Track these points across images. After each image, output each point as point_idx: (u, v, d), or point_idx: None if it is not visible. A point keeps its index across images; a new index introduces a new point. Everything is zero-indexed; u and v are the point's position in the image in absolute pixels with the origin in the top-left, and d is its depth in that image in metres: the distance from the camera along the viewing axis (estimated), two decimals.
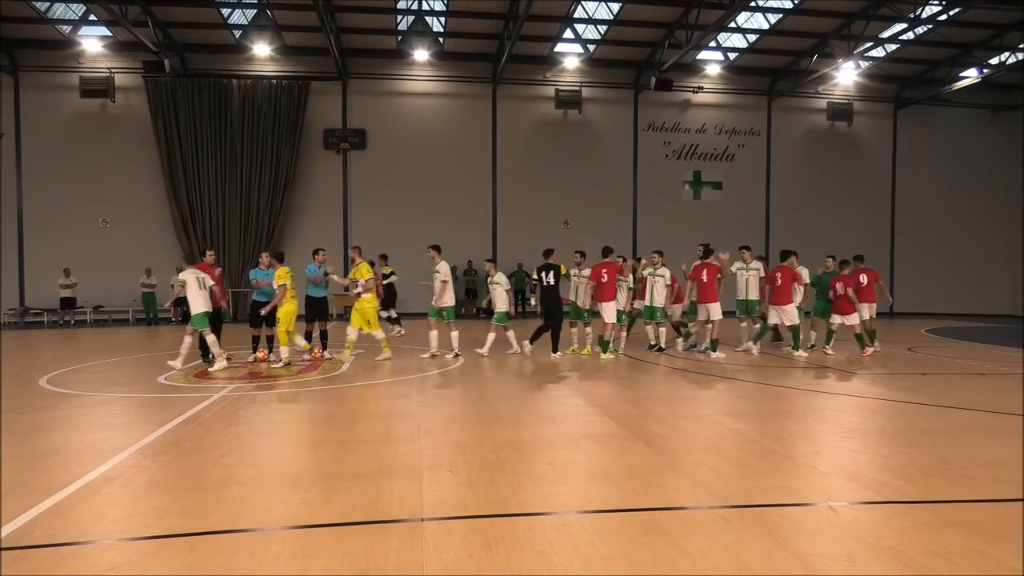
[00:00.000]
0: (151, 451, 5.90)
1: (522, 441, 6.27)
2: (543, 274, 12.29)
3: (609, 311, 12.22)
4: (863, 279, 13.26)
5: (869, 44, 22.36)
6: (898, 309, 26.10)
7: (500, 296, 12.51)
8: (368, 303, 11.65)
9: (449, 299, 12.21)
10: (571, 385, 9.51)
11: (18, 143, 21.86)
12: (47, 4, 19.88)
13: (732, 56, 24.23)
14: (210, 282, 11.14)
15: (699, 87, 24.80)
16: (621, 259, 13.20)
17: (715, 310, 12.46)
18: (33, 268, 21.42)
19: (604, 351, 12.26)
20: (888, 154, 26.51)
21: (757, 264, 13.22)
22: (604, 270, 12.24)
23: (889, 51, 23.64)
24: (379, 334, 11.79)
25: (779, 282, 12.51)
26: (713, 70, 24.36)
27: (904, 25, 21.25)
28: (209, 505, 4.51)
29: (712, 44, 23.41)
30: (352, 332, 11.65)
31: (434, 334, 12.19)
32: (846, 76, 24.22)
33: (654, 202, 24.88)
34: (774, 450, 5.85)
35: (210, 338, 10.84)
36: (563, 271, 12.49)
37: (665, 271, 13.02)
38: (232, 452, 5.99)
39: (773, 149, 25.68)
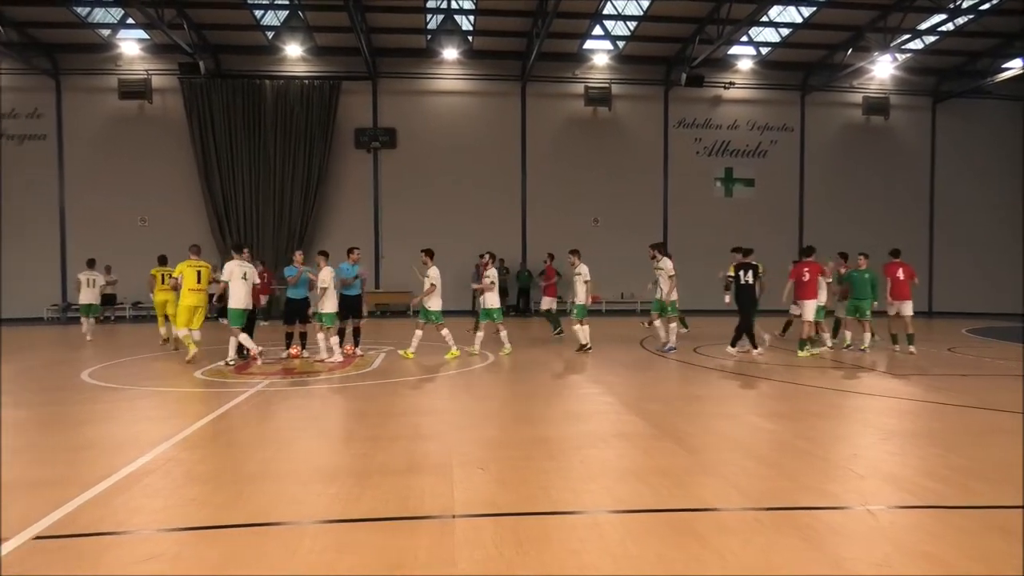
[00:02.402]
0: (189, 444, 6.02)
1: (552, 439, 6.26)
2: (740, 272, 12.32)
3: (808, 309, 12.15)
4: (900, 274, 12.97)
5: (906, 36, 21.82)
6: (937, 308, 25.50)
7: (491, 292, 12.50)
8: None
9: (493, 301, 12.53)
10: (601, 383, 9.47)
11: (60, 144, 22.45)
12: (87, 9, 20.37)
13: (764, 51, 23.86)
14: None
15: (730, 83, 24.48)
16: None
17: (809, 309, 12.22)
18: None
19: (801, 349, 12.14)
20: (926, 149, 25.88)
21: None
22: (806, 268, 12.24)
23: (927, 43, 23.08)
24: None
25: (806, 277, 12.34)
26: (745, 65, 24.03)
27: (943, 16, 20.72)
28: (244, 498, 4.59)
29: (744, 39, 23.09)
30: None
31: (419, 333, 12.03)
32: (882, 69, 23.70)
33: (685, 199, 24.63)
34: (808, 451, 5.76)
35: (241, 336, 11.04)
36: (761, 271, 12.45)
37: (667, 263, 12.85)
38: (266, 446, 6.09)
39: (807, 145, 25.24)
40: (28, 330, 19.16)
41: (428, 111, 23.75)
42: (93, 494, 4.59)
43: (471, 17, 22.30)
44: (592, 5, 20.87)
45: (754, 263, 12.40)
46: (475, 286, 13.14)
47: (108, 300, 20.98)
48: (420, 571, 3.44)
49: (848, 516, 4.24)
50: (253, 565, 3.53)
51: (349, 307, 12.39)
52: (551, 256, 17.60)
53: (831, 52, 23.35)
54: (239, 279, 10.90)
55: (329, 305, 11.52)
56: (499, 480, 4.94)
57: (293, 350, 12.09)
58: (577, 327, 12.80)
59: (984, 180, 25.90)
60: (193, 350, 11.41)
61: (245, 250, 11.96)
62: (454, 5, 21.86)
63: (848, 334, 13.53)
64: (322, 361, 11.32)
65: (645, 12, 21.32)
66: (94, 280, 15.70)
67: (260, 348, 11.44)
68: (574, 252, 13.18)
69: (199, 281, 11.55)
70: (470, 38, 23.02)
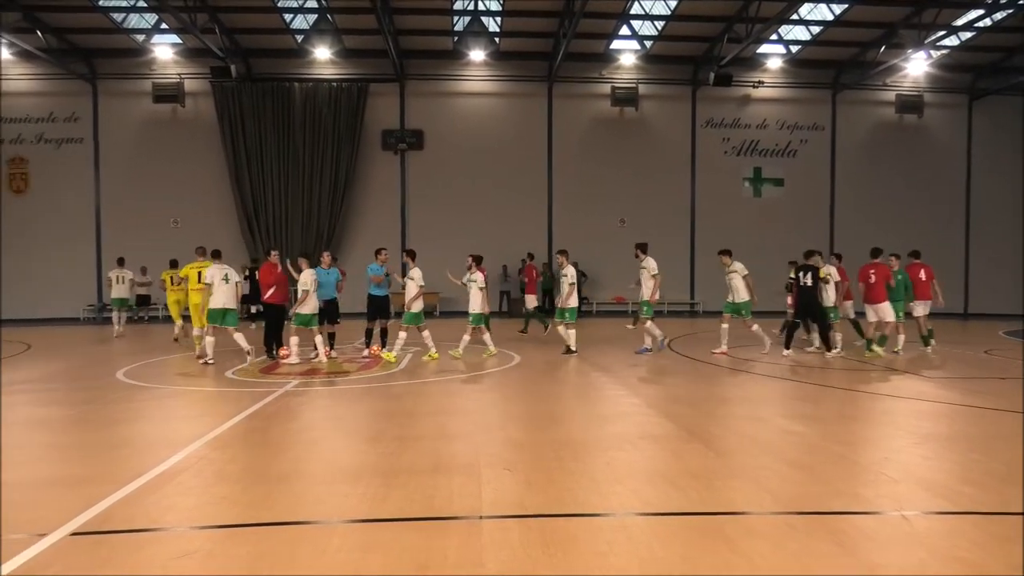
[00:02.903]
0: (219, 443, 6.11)
1: (579, 441, 6.24)
2: (800, 274, 12.25)
3: (884, 311, 12.10)
4: (922, 275, 12.85)
5: (941, 33, 21.36)
6: (973, 310, 24.92)
7: (475, 295, 12.26)
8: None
9: (478, 305, 12.27)
10: (627, 385, 9.42)
11: (96, 147, 22.96)
12: (123, 15, 20.81)
13: (794, 49, 23.53)
14: (236, 277, 11.69)
15: (759, 82, 24.19)
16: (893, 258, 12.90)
17: (885, 311, 12.12)
18: (110, 267, 22.39)
19: (868, 348, 12.12)
20: (962, 147, 25.30)
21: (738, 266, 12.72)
22: (872, 271, 12.15)
23: (963, 39, 22.56)
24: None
25: (873, 279, 12.16)
26: (774, 64, 23.72)
27: (980, 11, 20.23)
28: (274, 497, 4.65)
29: (773, 37, 22.80)
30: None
31: (403, 335, 12.00)
32: (916, 67, 23.23)
33: (713, 199, 24.39)
34: (840, 455, 5.66)
35: (235, 335, 11.34)
36: (822, 275, 12.34)
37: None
38: (295, 446, 6.16)
39: (838, 144, 24.83)
40: (65, 330, 19.63)
41: (455, 113, 23.84)
42: (127, 491, 4.68)
43: (498, 19, 22.34)
44: (619, 5, 20.78)
45: (815, 265, 12.28)
46: (455, 281, 12.93)
47: (143, 301, 21.36)
48: (448, 571, 3.45)
49: (882, 521, 4.16)
50: (283, 564, 3.57)
51: (377, 308, 12.48)
52: (530, 256, 17.62)
53: (863, 49, 22.95)
54: (220, 281, 11.36)
55: (308, 307, 11.50)
56: (526, 481, 4.93)
57: (374, 348, 12.22)
58: (562, 329, 12.55)
59: (1022, 179, 25.22)
60: (199, 345, 12.05)
61: (274, 252, 12.23)
62: (481, 7, 21.93)
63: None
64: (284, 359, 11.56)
65: (673, 11, 21.17)
66: (124, 277, 16.74)
67: (251, 347, 11.53)
68: (561, 253, 12.91)
69: (200, 280, 12.06)
70: (497, 39, 23.06)
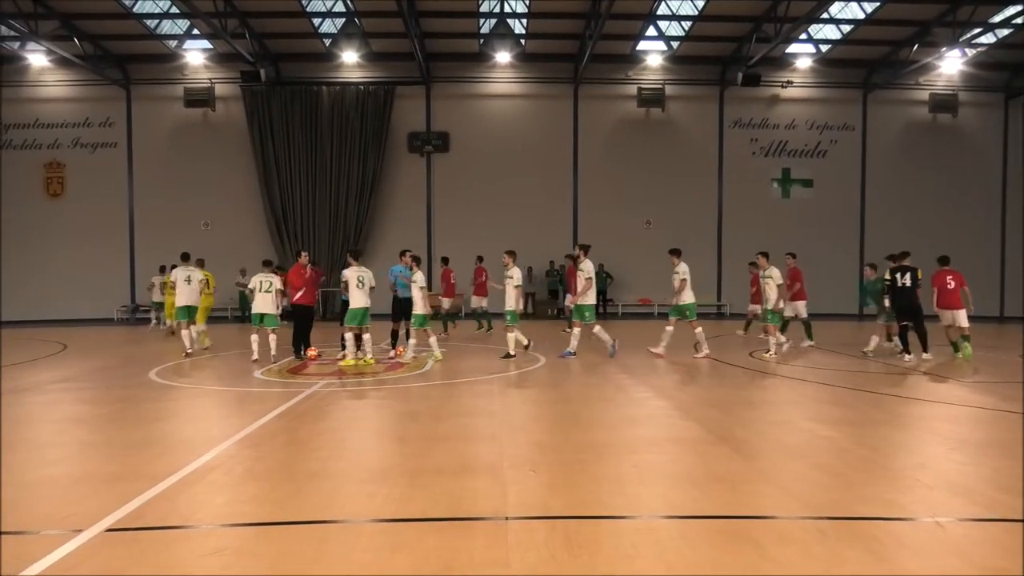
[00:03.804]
0: (249, 442, 6.20)
1: (604, 443, 6.22)
2: (897, 275, 12.19)
3: (961, 317, 12.10)
4: (950, 282, 12.45)
5: (977, 30, 20.91)
6: (1009, 313, 24.32)
7: (417, 296, 11.97)
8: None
9: (511, 303, 12.14)
10: (653, 387, 9.36)
11: (130, 151, 23.44)
12: (156, 21, 21.23)
13: (824, 48, 23.20)
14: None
15: (788, 81, 23.89)
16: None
17: (961, 317, 12.08)
18: (142, 268, 22.86)
19: (956, 350, 12.12)
20: (998, 147, 24.71)
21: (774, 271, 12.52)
22: (950, 277, 12.13)
23: (1000, 37, 22.05)
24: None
25: (951, 285, 12.12)
26: (804, 63, 23.40)
27: (1018, 8, 19.76)
28: (302, 496, 4.71)
29: (803, 36, 22.49)
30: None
31: (412, 341, 12.11)
32: (950, 65, 22.75)
33: (740, 201, 24.13)
34: (871, 460, 5.56)
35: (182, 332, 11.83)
36: (765, 274, 12.37)
37: (775, 271, 12.51)
38: (322, 446, 6.23)
39: (869, 144, 24.41)
40: (99, 330, 20.06)
41: (481, 115, 23.91)
42: (160, 489, 4.77)
43: (523, 20, 22.37)
44: (646, 6, 20.68)
45: (912, 267, 12.17)
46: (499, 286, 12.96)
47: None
48: (474, 572, 3.46)
49: (916, 528, 4.08)
50: (310, 562, 3.61)
51: (402, 309, 12.56)
52: (480, 258, 17.63)
53: (895, 48, 22.55)
54: (183, 282, 12.82)
55: (361, 302, 11.45)
56: (551, 483, 4.93)
57: (399, 350, 12.31)
58: (508, 334, 12.20)
59: None
60: (197, 341, 13.43)
61: (304, 253, 12.42)
62: (507, 9, 21.97)
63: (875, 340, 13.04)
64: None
65: (700, 12, 21.01)
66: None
67: (319, 350, 11.73)
68: (508, 253, 12.50)
69: (188, 283, 13.01)
70: (522, 41, 23.09)
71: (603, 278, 22.91)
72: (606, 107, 23.99)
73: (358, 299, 11.37)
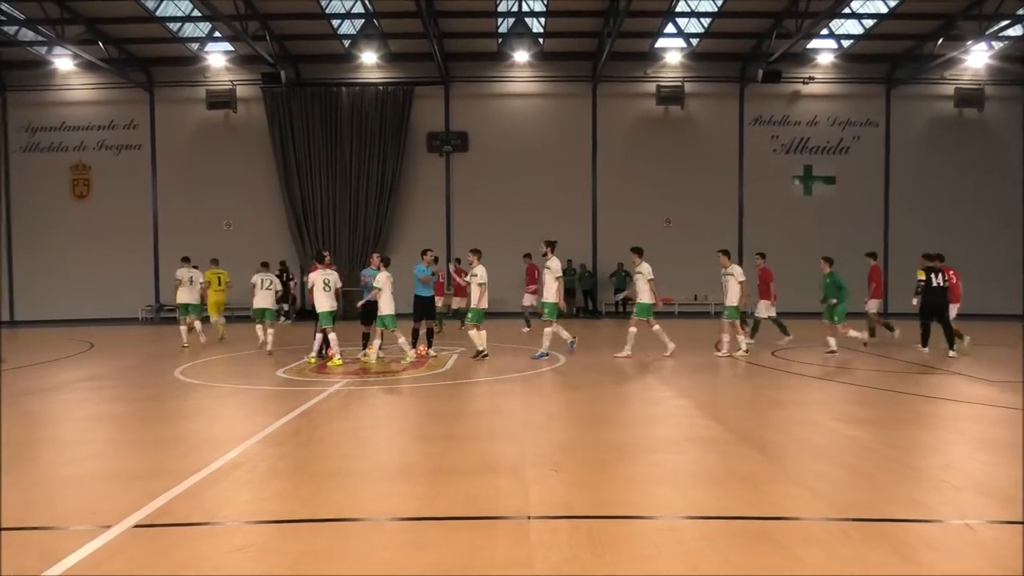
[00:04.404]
0: (272, 440, 6.26)
1: (625, 442, 6.20)
2: (932, 275, 12.32)
3: (953, 311, 12.41)
4: (952, 278, 12.81)
5: (1005, 23, 20.50)
6: None
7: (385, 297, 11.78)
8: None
9: (387, 307, 11.78)
10: (674, 386, 9.30)
11: (153, 153, 23.73)
12: (179, 24, 21.48)
13: (847, 43, 22.89)
14: (339, 282, 11.93)
15: (810, 77, 23.59)
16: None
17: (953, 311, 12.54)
18: (166, 268, 23.12)
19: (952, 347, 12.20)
20: None
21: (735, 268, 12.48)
22: (951, 273, 12.41)
23: None
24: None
25: (953, 281, 12.70)
26: (825, 59, 23.08)
27: None
28: (325, 494, 4.74)
29: (824, 32, 22.20)
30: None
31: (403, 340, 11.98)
32: (976, 59, 22.33)
33: (761, 198, 23.87)
34: (898, 460, 5.49)
35: (332, 336, 11.54)
36: (728, 271, 12.32)
37: (736, 269, 12.42)
38: (344, 444, 6.27)
39: (892, 140, 24.03)
40: (124, 330, 20.37)
41: (499, 114, 23.90)
42: (186, 486, 4.83)
43: (542, 19, 22.32)
44: (664, 3, 20.53)
45: (943, 267, 12.49)
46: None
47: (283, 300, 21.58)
48: (496, 571, 3.47)
49: (944, 530, 4.02)
50: (334, 560, 3.64)
51: (423, 308, 12.60)
52: (435, 259, 17.56)
53: (919, 42, 22.18)
54: (186, 281, 14.61)
55: (326, 305, 11.56)
56: (573, 482, 4.92)
57: (420, 349, 12.35)
58: (472, 332, 12.00)
59: None
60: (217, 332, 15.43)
61: (327, 254, 12.58)
62: (525, 8, 21.94)
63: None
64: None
65: (720, 8, 20.81)
66: (271, 281, 14.12)
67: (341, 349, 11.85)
68: (474, 252, 12.41)
69: (220, 284, 15.42)
70: (540, 40, 23.04)
71: (622, 277, 22.85)
72: (625, 105, 23.87)
73: (323, 302, 11.53)
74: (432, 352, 12.61)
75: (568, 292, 23.37)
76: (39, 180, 23.43)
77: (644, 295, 12.29)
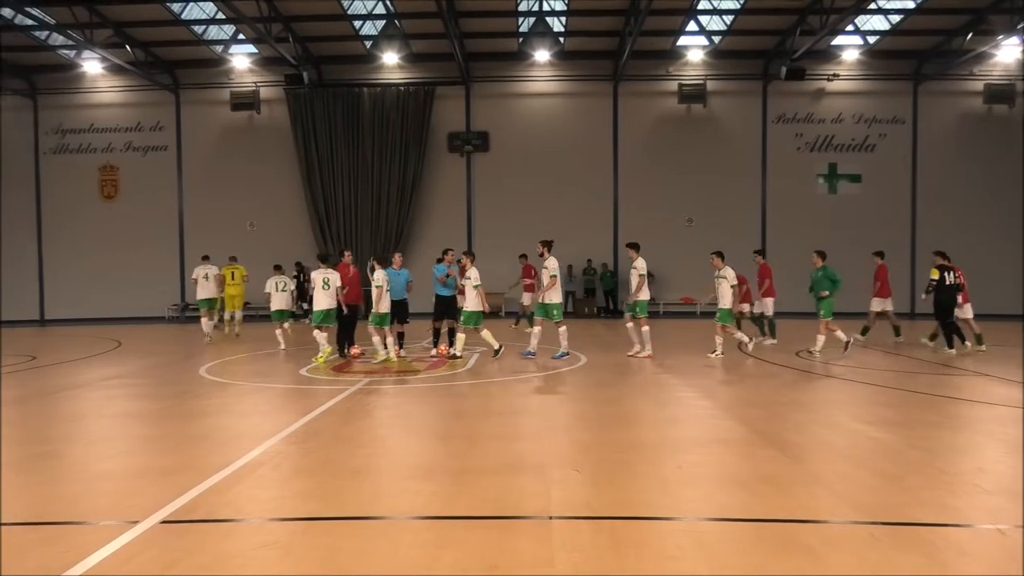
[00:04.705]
0: (295, 438, 6.31)
1: (648, 443, 6.17)
2: (946, 274, 12.46)
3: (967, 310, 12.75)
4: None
5: None
6: None
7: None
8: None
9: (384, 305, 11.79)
10: (696, 387, 9.23)
11: (179, 154, 24.08)
12: (203, 27, 21.76)
13: (872, 39, 22.55)
14: (338, 282, 12.01)
15: (834, 74, 23.28)
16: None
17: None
18: (192, 268, 23.34)
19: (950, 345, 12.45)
20: None
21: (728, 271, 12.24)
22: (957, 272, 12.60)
23: None
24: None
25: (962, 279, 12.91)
26: (850, 56, 22.75)
27: None
28: (348, 492, 4.77)
29: (849, 28, 21.90)
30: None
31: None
32: (1007, 54, 21.88)
33: (785, 197, 23.60)
34: (925, 463, 5.40)
35: (318, 334, 11.80)
36: (722, 273, 12.22)
37: (729, 271, 12.25)
38: (367, 443, 6.31)
39: (919, 137, 23.63)
40: (151, 328, 20.68)
41: (520, 114, 23.90)
42: (211, 483, 4.89)
43: (562, 18, 22.28)
44: (686, 1, 20.36)
45: (954, 266, 12.69)
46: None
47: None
48: (520, 571, 3.47)
49: (975, 534, 3.95)
50: (358, 558, 3.66)
51: (444, 307, 12.63)
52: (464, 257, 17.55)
53: (948, 38, 21.79)
54: (201, 279, 15.70)
55: (383, 306, 11.66)
56: (595, 482, 4.90)
57: (441, 348, 12.40)
58: (485, 333, 11.78)
59: None
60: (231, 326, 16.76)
61: (348, 253, 13.12)
62: (546, 7, 21.91)
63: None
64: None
65: (742, 5, 20.62)
66: (285, 283, 14.57)
67: (361, 348, 11.95)
68: (466, 255, 12.39)
69: (207, 280, 16.03)
70: (562, 39, 23.00)
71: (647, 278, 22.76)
72: (646, 104, 23.74)
73: (322, 300, 11.84)
74: (453, 351, 12.57)
75: (589, 292, 23.38)
76: (68, 181, 23.89)
77: (642, 292, 12.21)
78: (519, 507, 4.41)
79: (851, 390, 9.22)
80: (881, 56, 22.83)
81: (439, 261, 12.87)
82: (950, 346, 12.36)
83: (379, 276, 11.75)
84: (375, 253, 22.67)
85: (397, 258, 12.78)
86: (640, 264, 12.30)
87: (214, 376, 10.36)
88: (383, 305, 11.65)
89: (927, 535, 3.86)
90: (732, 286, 12.07)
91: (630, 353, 12.13)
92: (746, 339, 12.50)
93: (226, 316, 16.91)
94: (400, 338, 12.60)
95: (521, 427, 6.86)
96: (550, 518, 4.18)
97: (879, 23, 21.87)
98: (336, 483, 4.98)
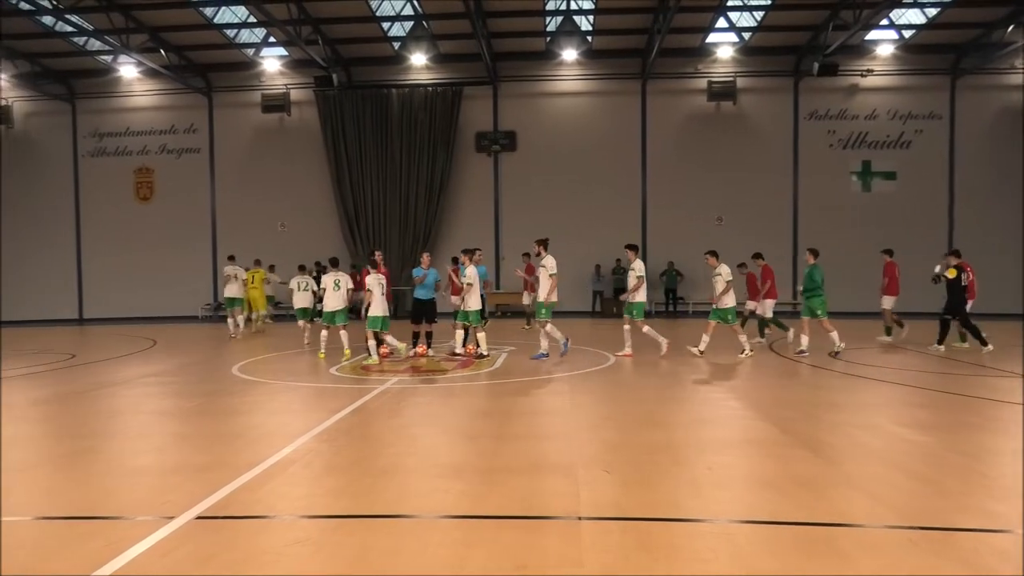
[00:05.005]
0: (326, 436, 6.38)
1: (677, 443, 6.11)
2: (962, 274, 12.75)
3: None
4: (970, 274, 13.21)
5: None
6: None
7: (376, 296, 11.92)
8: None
9: (474, 303, 11.97)
10: (726, 387, 9.13)
11: (212, 156, 24.51)
12: (235, 31, 22.11)
13: (908, 34, 22.08)
14: (350, 283, 12.55)
15: (868, 70, 22.83)
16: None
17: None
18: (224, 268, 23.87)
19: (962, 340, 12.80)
20: None
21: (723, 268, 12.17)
22: (968, 269, 12.86)
23: None
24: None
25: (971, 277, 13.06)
26: (885, 50, 22.31)
27: None
28: (377, 490, 4.81)
29: (884, 22, 21.46)
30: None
31: (460, 334, 12.34)
32: None
33: (817, 195, 23.21)
34: (966, 467, 5.26)
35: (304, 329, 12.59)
36: (719, 271, 12.15)
37: (724, 269, 12.12)
38: (396, 442, 6.34)
39: (957, 133, 23.06)
40: (184, 327, 21.07)
41: (547, 113, 23.86)
42: (245, 480, 4.96)
43: (590, 17, 22.19)
44: None
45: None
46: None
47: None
48: (549, 571, 3.46)
49: (1019, 541, 3.83)
50: (388, 556, 3.68)
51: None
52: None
53: (987, 30, 21.23)
54: (232, 278, 16.70)
55: (474, 303, 11.95)
56: (624, 483, 4.87)
57: (420, 348, 12.52)
58: (459, 332, 12.23)
59: None
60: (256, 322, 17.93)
61: (378, 252, 13.14)
62: (573, 6, 21.84)
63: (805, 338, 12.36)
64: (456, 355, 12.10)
65: (773, 1, 20.33)
66: (307, 283, 15.06)
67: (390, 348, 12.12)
68: (466, 252, 12.41)
69: (236, 280, 17.03)
70: (589, 38, 22.91)
71: (673, 276, 22.57)
72: (675, 102, 23.53)
73: (329, 301, 12.39)
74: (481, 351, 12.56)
75: (618, 291, 23.22)
76: (105, 184, 24.46)
77: (640, 293, 12.14)
78: (548, 507, 4.40)
79: (885, 391, 9.03)
80: (917, 50, 22.35)
81: (455, 261, 12.99)
82: (983, 343, 12.35)
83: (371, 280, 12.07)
84: (403, 252, 22.90)
85: (425, 258, 12.87)
86: (638, 266, 12.17)
87: (246, 374, 10.51)
88: (376, 309, 11.83)
89: (970, 542, 3.76)
90: (727, 282, 12.06)
91: (619, 353, 12.14)
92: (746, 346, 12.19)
93: (252, 315, 17.89)
94: (428, 337, 12.67)
95: (549, 427, 6.84)
96: (579, 518, 4.16)
97: (915, 16, 21.40)
98: (366, 481, 5.02)
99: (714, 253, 12.52)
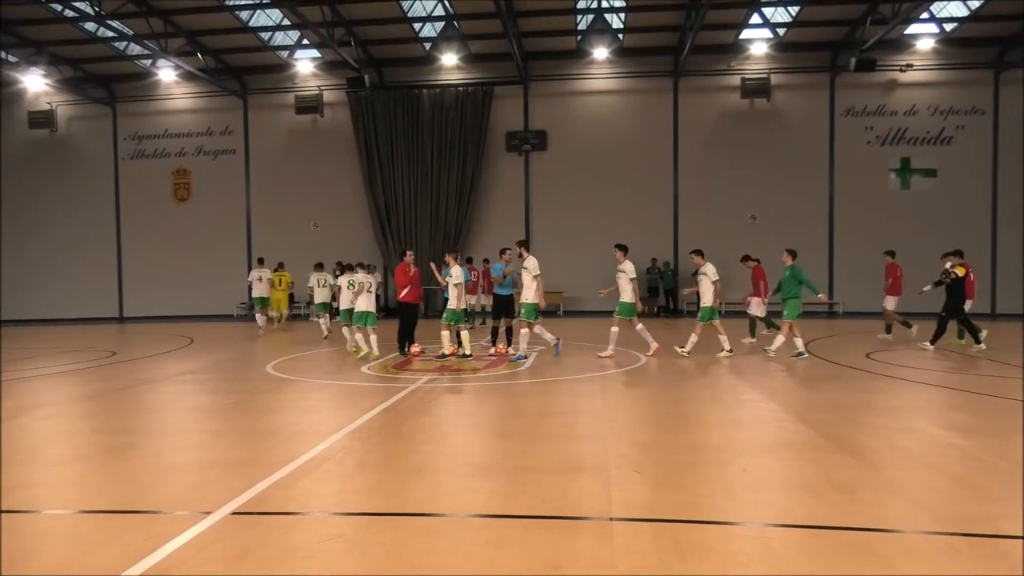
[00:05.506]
0: (358, 435, 6.44)
1: (711, 445, 6.04)
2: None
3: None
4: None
5: None
6: None
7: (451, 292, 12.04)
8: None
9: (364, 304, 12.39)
10: (762, 389, 8.99)
11: (247, 157, 24.93)
12: (269, 33, 22.46)
13: (949, 27, 21.51)
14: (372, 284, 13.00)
15: (908, 65, 22.30)
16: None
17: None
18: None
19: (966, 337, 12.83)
20: None
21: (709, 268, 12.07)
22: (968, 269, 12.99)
23: None
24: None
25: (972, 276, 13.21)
26: (925, 45, 21.77)
27: None
28: (409, 489, 4.84)
29: (924, 16, 20.94)
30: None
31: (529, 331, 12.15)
32: None
33: (854, 193, 22.74)
34: (1012, 472, 5.10)
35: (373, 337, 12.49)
36: (703, 271, 12.20)
37: (709, 268, 12.00)
38: (427, 440, 6.37)
39: (1001, 129, 22.37)
40: (220, 326, 21.47)
41: (578, 112, 23.78)
42: (279, 476, 5.04)
43: (621, 15, 22.05)
44: None
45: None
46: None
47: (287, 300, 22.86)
48: (580, 571, 3.44)
49: None
50: (420, 554, 3.70)
51: (502, 306, 12.67)
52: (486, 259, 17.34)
53: None
54: (256, 280, 18.29)
55: (345, 304, 12.89)
56: (656, 484, 4.83)
57: (499, 347, 12.53)
58: (445, 333, 11.98)
59: None
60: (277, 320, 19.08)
61: (410, 252, 13.38)
62: (604, 4, 21.72)
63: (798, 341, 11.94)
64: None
65: None
66: (326, 280, 16.83)
67: (421, 347, 12.11)
68: (450, 253, 12.61)
69: (260, 281, 18.52)
70: (621, 36, 22.77)
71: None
72: (707, 99, 23.26)
73: (344, 302, 12.97)
74: (512, 350, 12.55)
75: (651, 290, 23.03)
76: (144, 185, 25.07)
77: (627, 294, 11.97)
78: (579, 507, 4.38)
79: (924, 393, 8.82)
80: (959, 44, 21.75)
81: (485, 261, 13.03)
82: (977, 341, 12.58)
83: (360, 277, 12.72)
84: (434, 252, 23.01)
85: (449, 259, 12.86)
86: (628, 267, 12.00)
87: (280, 372, 10.67)
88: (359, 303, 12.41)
89: (1014, 549, 3.64)
90: (713, 282, 11.97)
91: (649, 353, 12.00)
92: (727, 347, 11.96)
93: (274, 314, 19.18)
94: (508, 334, 12.75)
95: (581, 427, 6.81)
96: (611, 519, 4.14)
97: (956, 9, 20.85)
98: (398, 479, 5.06)
99: (699, 252, 12.53)
